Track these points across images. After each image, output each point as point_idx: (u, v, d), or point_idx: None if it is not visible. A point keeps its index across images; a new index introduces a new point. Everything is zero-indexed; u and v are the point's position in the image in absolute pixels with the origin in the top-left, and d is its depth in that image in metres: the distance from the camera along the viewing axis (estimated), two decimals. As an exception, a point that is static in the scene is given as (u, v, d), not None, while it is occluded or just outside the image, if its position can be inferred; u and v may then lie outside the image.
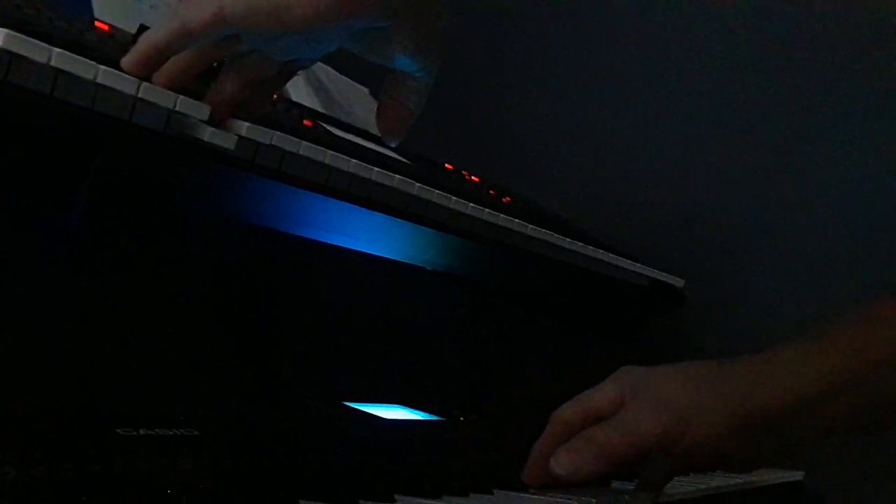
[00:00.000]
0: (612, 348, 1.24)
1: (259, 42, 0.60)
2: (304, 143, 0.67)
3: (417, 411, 0.85)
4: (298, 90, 1.01)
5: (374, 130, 0.70)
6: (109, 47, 0.66)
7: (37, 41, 0.51)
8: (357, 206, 0.74)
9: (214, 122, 0.61)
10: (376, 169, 0.73)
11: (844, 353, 0.67)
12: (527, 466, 0.69)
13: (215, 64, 0.63)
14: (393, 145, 0.70)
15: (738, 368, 0.68)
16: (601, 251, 1.08)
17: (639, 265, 1.17)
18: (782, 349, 0.69)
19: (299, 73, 0.77)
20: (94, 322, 0.62)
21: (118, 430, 0.52)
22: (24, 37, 0.50)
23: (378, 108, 0.67)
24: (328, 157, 0.69)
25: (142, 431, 0.53)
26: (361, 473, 0.61)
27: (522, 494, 0.67)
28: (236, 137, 0.62)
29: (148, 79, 0.58)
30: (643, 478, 0.73)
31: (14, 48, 0.50)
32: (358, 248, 0.81)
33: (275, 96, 0.83)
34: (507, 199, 1.10)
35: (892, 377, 0.66)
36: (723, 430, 0.66)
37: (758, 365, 0.68)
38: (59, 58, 0.51)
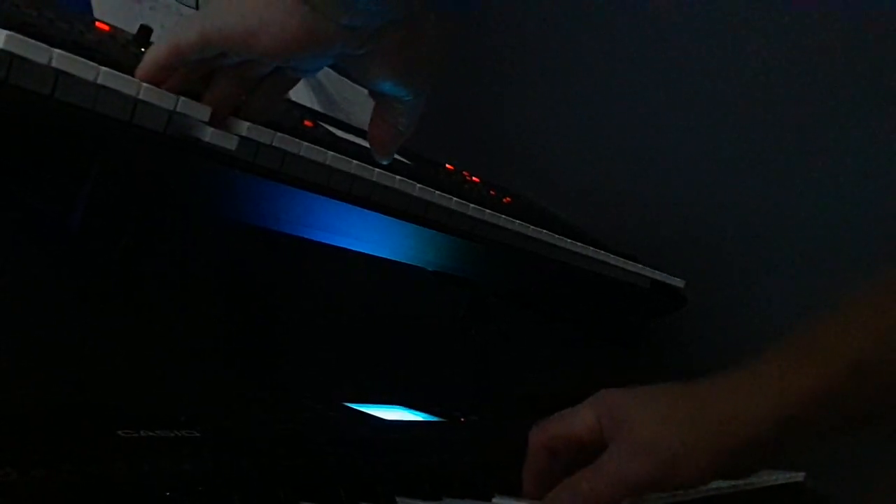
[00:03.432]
0: (613, 349, 1.24)
1: (244, 58, 0.62)
2: (304, 143, 0.67)
3: (418, 412, 0.85)
4: (298, 91, 1.01)
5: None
6: (110, 48, 0.66)
7: (37, 42, 0.51)
8: (358, 207, 0.74)
9: (215, 122, 0.61)
10: (377, 170, 0.73)
11: (840, 349, 0.64)
12: (524, 486, 0.68)
13: None
14: (384, 163, 0.71)
15: (721, 396, 0.65)
16: (602, 252, 1.08)
17: (640, 266, 1.17)
18: (766, 359, 0.66)
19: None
20: (94, 323, 0.62)
21: (119, 432, 0.52)
22: (24, 38, 0.50)
23: (369, 127, 0.68)
24: (329, 157, 0.69)
25: (143, 433, 0.53)
26: (362, 475, 0.61)
27: (522, 501, 0.67)
28: (237, 138, 0.62)
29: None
30: None
31: (15, 49, 0.50)
32: (359, 249, 0.81)
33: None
34: (508, 199, 1.10)
35: None
36: (712, 468, 0.64)
37: (739, 386, 0.65)
38: (59, 59, 0.52)
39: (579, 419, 0.67)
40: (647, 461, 0.63)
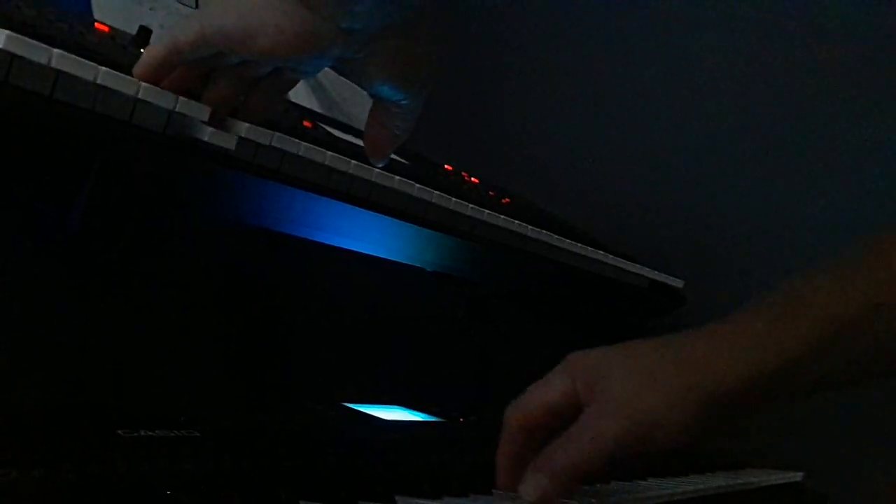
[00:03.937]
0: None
1: (243, 59, 0.62)
2: (303, 143, 0.67)
3: (417, 412, 0.85)
4: (298, 91, 1.01)
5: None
6: (110, 49, 0.66)
7: (37, 42, 0.51)
8: (357, 207, 0.74)
9: (214, 122, 0.61)
10: (376, 170, 0.73)
11: (822, 309, 0.62)
12: (497, 477, 0.66)
13: None
14: (379, 166, 0.71)
15: (700, 349, 0.63)
16: (601, 252, 1.08)
17: (638, 266, 1.17)
18: (748, 315, 0.64)
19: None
20: (94, 323, 0.62)
21: (119, 432, 0.52)
22: (24, 38, 0.50)
23: (364, 129, 0.68)
24: (328, 157, 0.69)
25: (143, 433, 0.53)
26: (361, 474, 0.61)
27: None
28: (236, 138, 0.62)
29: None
30: None
31: (15, 49, 0.50)
32: (358, 249, 0.81)
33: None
34: (507, 200, 1.10)
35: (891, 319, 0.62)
36: (691, 424, 0.62)
37: (721, 341, 0.63)
38: (59, 59, 0.52)
39: (552, 387, 0.65)
40: (624, 421, 0.61)
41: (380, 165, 0.71)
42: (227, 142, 0.61)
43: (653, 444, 0.62)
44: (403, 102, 0.65)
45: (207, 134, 0.60)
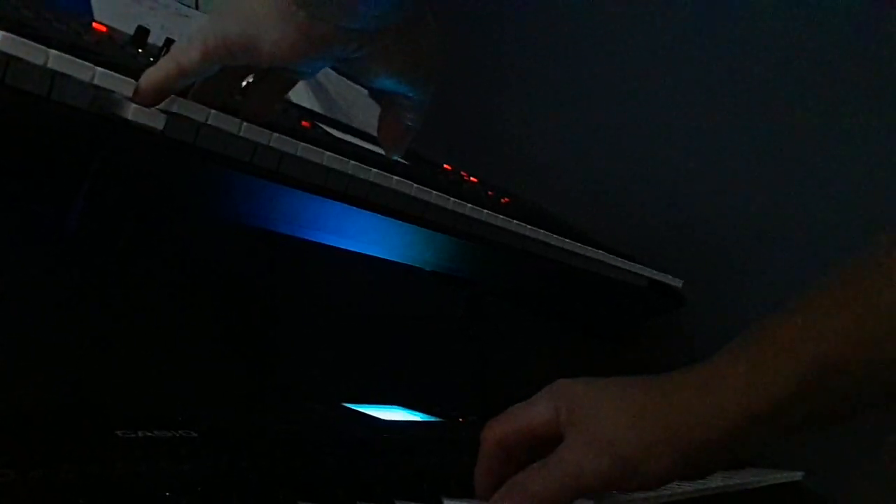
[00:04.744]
0: (611, 348, 1.24)
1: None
2: (302, 144, 0.67)
3: (416, 412, 0.85)
4: (297, 91, 1.01)
5: (372, 131, 0.70)
6: (107, 49, 0.66)
7: (34, 43, 0.51)
8: (355, 207, 0.74)
9: (214, 122, 0.61)
10: (374, 170, 0.73)
11: (808, 348, 0.60)
12: (475, 491, 0.64)
13: None
14: (395, 158, 0.71)
15: (685, 394, 0.62)
16: (600, 252, 1.08)
17: (637, 266, 1.17)
18: (732, 356, 0.62)
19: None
20: (92, 323, 0.62)
21: (117, 432, 0.52)
22: (21, 39, 0.50)
23: (378, 124, 0.68)
24: (326, 158, 0.69)
25: (140, 433, 0.53)
26: (360, 475, 0.61)
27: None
28: (235, 139, 0.62)
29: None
30: None
31: (11, 50, 0.50)
32: (356, 249, 0.81)
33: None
34: (506, 199, 1.10)
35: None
36: (673, 469, 0.60)
37: (706, 385, 0.62)
38: (56, 59, 0.51)
39: (535, 412, 0.63)
40: (605, 458, 0.60)
41: (395, 158, 0.71)
42: (226, 142, 0.61)
43: (632, 483, 0.61)
44: (410, 95, 0.65)
45: (206, 135, 0.60)
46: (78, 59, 0.53)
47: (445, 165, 1.12)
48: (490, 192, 1.09)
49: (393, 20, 0.60)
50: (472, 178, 1.12)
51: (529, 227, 0.94)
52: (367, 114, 1.09)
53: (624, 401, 0.62)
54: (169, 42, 0.73)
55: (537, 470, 0.61)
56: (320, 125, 0.88)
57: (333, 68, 1.12)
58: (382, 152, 0.70)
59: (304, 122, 0.83)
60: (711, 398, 0.61)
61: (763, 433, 0.61)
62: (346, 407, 0.78)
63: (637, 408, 0.61)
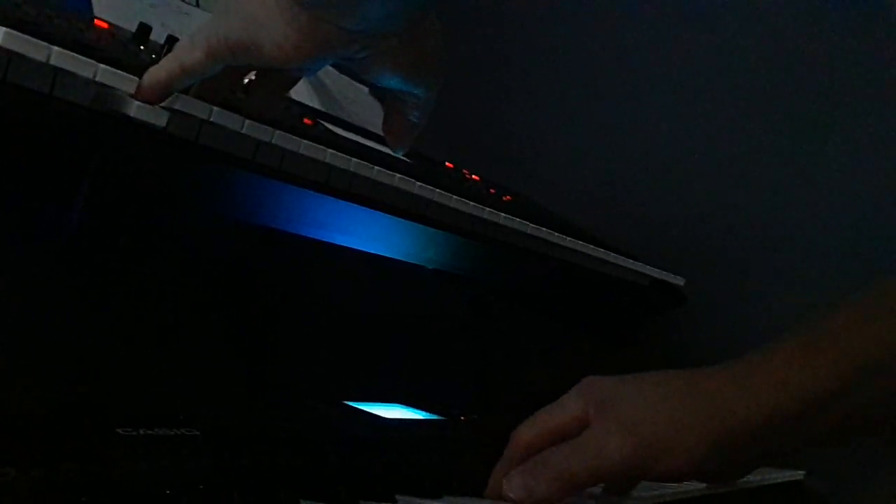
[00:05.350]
0: (613, 347, 1.24)
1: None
2: (304, 141, 0.67)
3: (418, 411, 0.85)
4: (298, 88, 1.01)
5: (374, 129, 0.70)
6: (109, 46, 0.66)
7: (36, 39, 0.51)
8: (357, 205, 0.74)
9: (216, 120, 0.61)
10: (376, 168, 0.73)
11: (844, 349, 0.61)
12: (488, 489, 0.64)
13: None
14: (400, 154, 0.71)
15: (715, 382, 0.62)
16: (602, 250, 1.08)
17: (639, 264, 1.17)
18: (769, 353, 0.63)
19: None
20: (93, 322, 0.62)
21: (118, 431, 0.52)
22: (23, 35, 0.50)
23: (383, 121, 0.68)
24: (328, 155, 0.69)
25: (142, 431, 0.53)
26: (362, 473, 0.61)
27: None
28: (237, 136, 0.61)
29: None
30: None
31: (13, 46, 0.50)
32: (358, 247, 0.81)
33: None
34: (508, 197, 1.10)
35: None
36: (699, 455, 0.60)
37: (737, 376, 0.62)
38: (58, 56, 0.51)
39: (563, 409, 0.63)
40: (631, 438, 0.59)
41: (400, 154, 0.71)
42: (229, 140, 0.61)
43: (657, 468, 0.60)
44: (416, 93, 0.65)
45: (208, 132, 0.60)
46: (80, 56, 0.52)
47: (447, 163, 1.12)
48: (492, 190, 1.09)
49: (396, 23, 0.60)
50: (474, 176, 1.12)
51: (531, 225, 0.94)
52: (368, 111, 1.08)
53: (651, 389, 0.62)
54: (171, 39, 0.73)
55: (560, 450, 0.61)
56: (322, 122, 0.88)
57: (336, 66, 1.12)
58: (385, 150, 0.70)
59: (306, 120, 0.83)
60: (744, 389, 0.61)
61: (791, 431, 0.61)
62: (347, 405, 0.78)
63: (663, 395, 0.62)
